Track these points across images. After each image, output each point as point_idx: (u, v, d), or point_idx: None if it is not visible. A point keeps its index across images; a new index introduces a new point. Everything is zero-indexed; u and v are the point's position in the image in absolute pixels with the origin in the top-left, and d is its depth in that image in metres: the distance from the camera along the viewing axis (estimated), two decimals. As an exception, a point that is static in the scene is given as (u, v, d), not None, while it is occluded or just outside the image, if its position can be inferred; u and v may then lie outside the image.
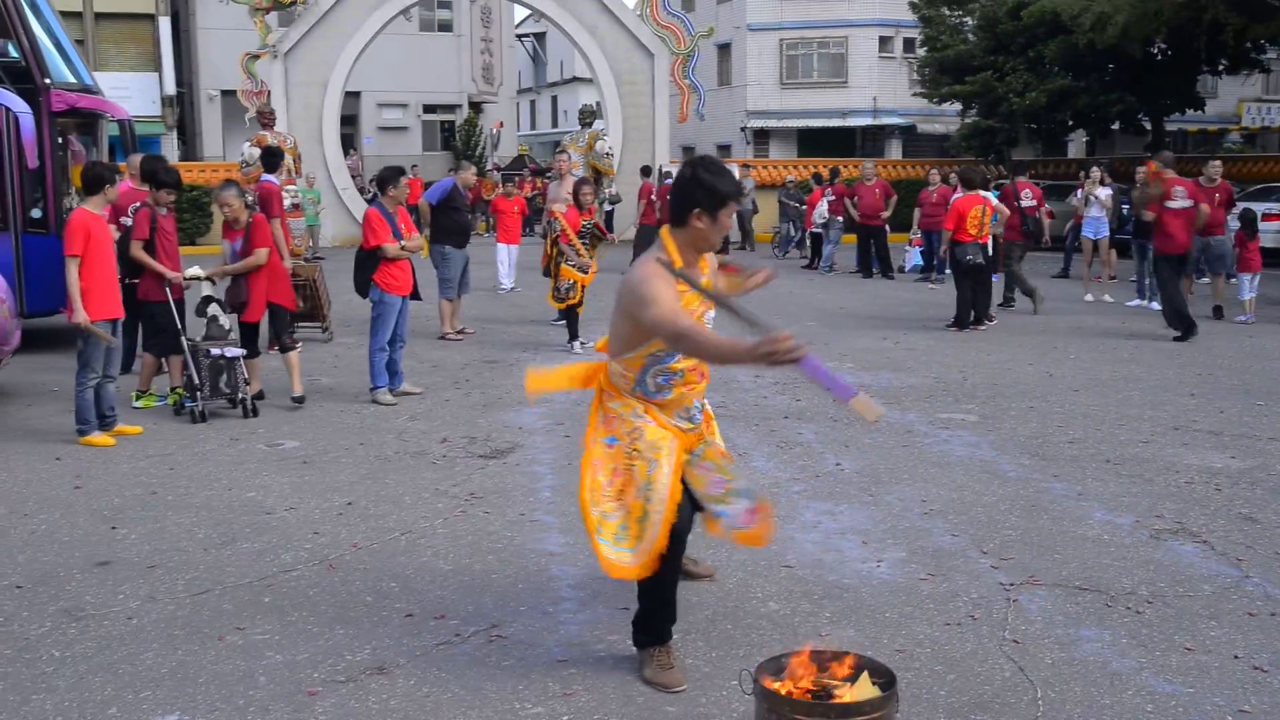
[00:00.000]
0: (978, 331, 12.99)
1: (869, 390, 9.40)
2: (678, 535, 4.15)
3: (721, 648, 4.47)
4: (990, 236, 13.36)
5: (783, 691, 3.44)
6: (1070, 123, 29.68)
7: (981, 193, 13.43)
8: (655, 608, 4.28)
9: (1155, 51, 26.41)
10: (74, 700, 4.08)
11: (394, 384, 9.32)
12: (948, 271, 15.30)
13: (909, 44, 39.90)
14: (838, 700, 3.40)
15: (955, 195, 14.47)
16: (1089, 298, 16.14)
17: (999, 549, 5.59)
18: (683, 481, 4.23)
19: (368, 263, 9.15)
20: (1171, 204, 12.64)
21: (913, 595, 5.01)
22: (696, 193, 4.10)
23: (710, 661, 4.34)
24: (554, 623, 4.72)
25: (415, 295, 9.46)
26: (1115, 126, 30.91)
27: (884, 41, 41.55)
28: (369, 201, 28.16)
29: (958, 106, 31.72)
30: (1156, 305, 14.96)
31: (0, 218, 11.03)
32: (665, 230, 4.20)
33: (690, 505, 4.30)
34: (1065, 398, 9.27)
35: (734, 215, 4.24)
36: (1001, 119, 29.07)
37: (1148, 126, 29.58)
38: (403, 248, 9.10)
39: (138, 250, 8.79)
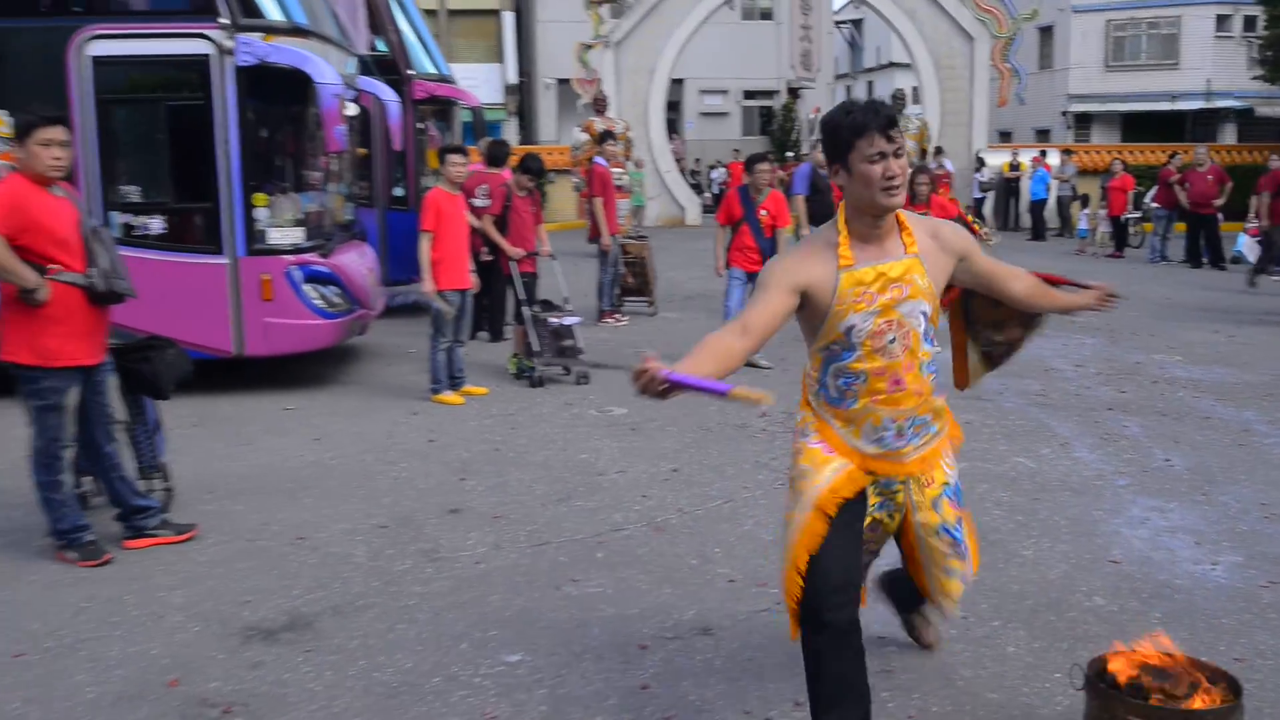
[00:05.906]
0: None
1: (1199, 386, 8.94)
2: (823, 592, 3.25)
3: (1044, 639, 4.40)
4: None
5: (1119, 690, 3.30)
6: None
7: None
8: (812, 688, 3.39)
9: None
10: (432, 632, 4.49)
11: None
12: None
13: (1249, 22, 37.00)
14: (1180, 706, 3.22)
15: None
16: None
17: (1352, 562, 5.24)
18: (854, 526, 3.41)
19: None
20: None
21: (1253, 602, 4.77)
22: (825, 143, 3.29)
23: (1033, 652, 4.28)
24: (872, 600, 4.78)
25: None
26: None
27: (1221, 20, 38.70)
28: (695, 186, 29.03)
29: (1303, 90, 29.22)
30: None
31: (368, 195, 12.12)
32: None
33: (854, 558, 3.40)
34: None
35: (893, 158, 3.13)
36: (1353, 102, 26.55)
37: None
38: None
39: (485, 222, 9.50)
